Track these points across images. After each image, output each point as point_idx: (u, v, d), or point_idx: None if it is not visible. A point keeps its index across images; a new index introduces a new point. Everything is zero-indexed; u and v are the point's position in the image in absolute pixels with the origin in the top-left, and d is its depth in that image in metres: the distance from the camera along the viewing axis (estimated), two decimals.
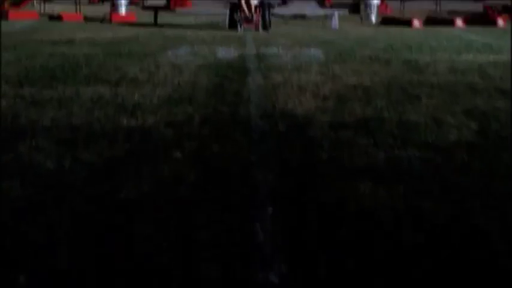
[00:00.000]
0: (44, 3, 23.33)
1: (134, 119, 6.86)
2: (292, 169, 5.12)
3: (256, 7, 17.84)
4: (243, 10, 17.74)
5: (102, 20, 20.23)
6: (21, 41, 14.51)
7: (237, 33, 17.08)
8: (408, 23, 19.93)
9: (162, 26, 18.70)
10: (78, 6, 22.39)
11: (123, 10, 21.57)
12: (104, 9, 23.11)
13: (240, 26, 17.61)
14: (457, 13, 24.39)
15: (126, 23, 19.53)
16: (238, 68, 10.55)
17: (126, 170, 4.99)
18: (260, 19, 17.68)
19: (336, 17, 19.32)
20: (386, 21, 20.52)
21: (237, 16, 17.77)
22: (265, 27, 17.66)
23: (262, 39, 15.68)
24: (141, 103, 7.70)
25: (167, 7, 24.82)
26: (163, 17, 20.41)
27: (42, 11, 22.68)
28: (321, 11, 24.33)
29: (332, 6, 27.00)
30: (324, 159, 5.45)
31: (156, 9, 19.57)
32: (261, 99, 8.00)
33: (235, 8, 18.10)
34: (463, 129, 6.57)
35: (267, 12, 17.85)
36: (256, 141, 6.01)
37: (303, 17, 21.59)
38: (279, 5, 23.59)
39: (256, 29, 17.56)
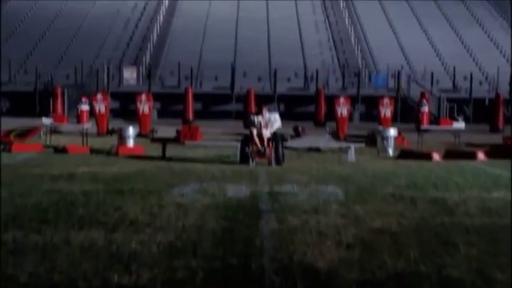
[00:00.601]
0: (51, 134, 22.71)
1: (127, 275, 5.83)
2: None
3: (268, 140, 17.05)
4: (255, 143, 16.94)
5: (108, 153, 19.49)
6: (19, 175, 13.65)
7: (248, 168, 16.19)
8: (428, 156, 19.08)
9: (170, 159, 17.89)
10: (85, 138, 21.75)
11: (131, 142, 20.88)
12: (112, 141, 22.45)
13: (252, 160, 16.76)
14: (476, 145, 23.61)
15: (133, 156, 18.77)
16: (250, 209, 9.56)
17: None
18: (273, 153, 16.84)
19: (353, 151, 18.49)
20: (404, 154, 19.69)
21: (248, 149, 16.96)
22: (279, 161, 16.79)
23: (276, 174, 14.77)
24: (138, 252, 6.69)
25: (177, 140, 24.17)
26: (173, 150, 19.65)
27: (48, 143, 22.02)
28: (335, 144, 23.61)
29: (346, 138, 26.34)
30: None
31: (164, 142, 18.81)
32: (276, 249, 6.96)
33: (246, 140, 17.31)
34: None
35: (280, 146, 17.02)
36: None
37: (317, 149, 20.79)
38: (292, 137, 22.91)
39: (269, 163, 16.69)
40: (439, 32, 46.58)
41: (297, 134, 23.38)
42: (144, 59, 41.80)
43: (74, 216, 8.86)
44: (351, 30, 46.17)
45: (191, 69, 38.04)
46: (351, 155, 18.46)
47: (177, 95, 35.49)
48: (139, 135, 25.97)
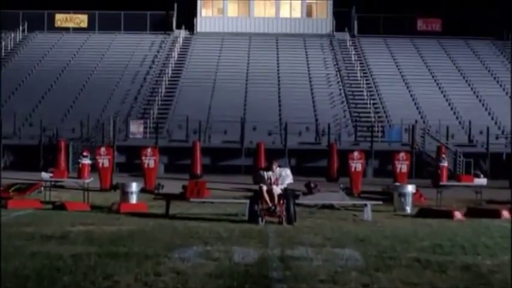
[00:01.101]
0: (50, 190, 21.63)
1: None
2: None
3: (279, 197, 15.94)
4: (265, 200, 15.83)
5: (109, 210, 18.39)
6: (8, 234, 12.53)
7: (257, 227, 15.03)
8: (449, 214, 17.89)
9: (174, 217, 16.77)
10: (86, 194, 20.66)
11: (134, 199, 19.79)
12: (115, 197, 21.35)
13: (262, 219, 15.62)
14: (498, 202, 22.39)
15: (135, 213, 17.67)
16: (259, 278, 8.40)
17: None
18: (284, 211, 15.71)
19: (369, 209, 17.32)
20: (423, 212, 18.50)
21: (258, 207, 15.85)
22: (290, 220, 15.65)
23: (287, 235, 13.61)
24: None
25: (183, 196, 23.06)
26: (178, 207, 18.54)
27: (48, 199, 20.94)
28: (349, 201, 22.41)
29: (360, 194, 25.15)
30: None
31: (168, 199, 17.67)
32: None
33: (256, 197, 16.19)
34: None
35: (291, 203, 15.90)
36: None
37: (330, 207, 19.57)
38: (304, 194, 21.78)
39: (280, 222, 15.56)
40: (453, 85, 45.59)
41: (309, 190, 22.23)
42: (151, 112, 40.93)
43: (57, 285, 7.73)
44: (363, 84, 45.31)
45: (199, 123, 37.10)
46: (367, 213, 17.29)
47: (185, 149, 34.49)
48: (143, 190, 24.90)
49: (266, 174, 16.32)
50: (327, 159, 33.27)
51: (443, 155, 27.97)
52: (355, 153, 25.95)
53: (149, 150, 25.69)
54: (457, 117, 41.49)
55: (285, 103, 42.74)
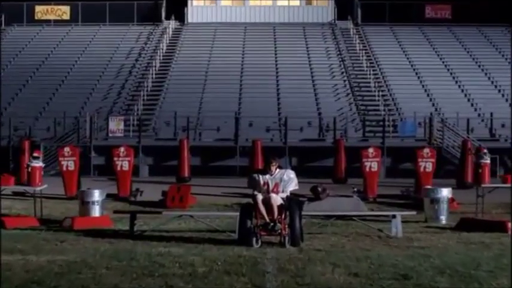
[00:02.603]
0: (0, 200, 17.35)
1: None
2: None
3: (280, 208, 11.78)
4: (261, 214, 11.69)
5: (60, 225, 14.22)
6: None
7: (251, 252, 10.86)
8: (500, 226, 13.78)
9: (141, 235, 12.64)
10: (38, 204, 16.40)
11: (96, 211, 15.63)
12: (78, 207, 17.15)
13: (257, 239, 11.46)
14: None
15: (93, 230, 13.53)
16: None
17: None
18: (287, 227, 11.58)
19: (399, 221, 13.12)
20: (466, 223, 14.37)
21: (251, 223, 11.72)
22: (295, 240, 11.46)
23: (293, 266, 9.42)
24: None
25: (162, 204, 18.95)
26: (153, 220, 14.42)
27: None
28: (366, 208, 18.30)
29: (376, 199, 20.97)
30: None
31: (133, 214, 13.39)
32: None
33: (248, 210, 12.03)
34: None
35: (296, 217, 11.71)
36: None
37: (343, 217, 15.33)
38: (310, 200, 17.61)
39: (282, 243, 11.41)
40: (468, 75, 41.44)
41: (317, 196, 18.02)
42: (135, 108, 36.81)
43: None
44: (370, 75, 41.14)
45: (187, 120, 32.95)
46: (397, 228, 13.10)
47: (173, 148, 30.41)
48: (117, 198, 20.75)
49: (262, 178, 12.13)
50: (333, 158, 29.32)
51: (485, 151, 23.54)
52: (370, 150, 21.66)
53: (122, 149, 21.40)
54: (475, 109, 37.39)
55: (284, 96, 38.65)
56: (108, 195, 18.33)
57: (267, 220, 11.74)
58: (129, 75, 41.97)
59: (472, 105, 38.06)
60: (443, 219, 15.63)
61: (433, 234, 13.49)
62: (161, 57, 44.11)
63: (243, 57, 44.47)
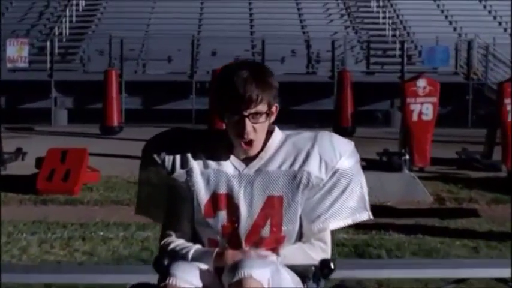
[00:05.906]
0: None
1: None
2: None
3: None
4: None
5: None
6: None
7: None
8: None
9: None
10: None
11: None
12: None
13: None
14: None
15: None
16: None
17: None
18: None
19: None
20: None
21: None
22: None
23: None
24: None
25: (32, 183, 9.95)
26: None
27: None
28: (427, 193, 9.45)
29: (423, 168, 12.01)
30: None
31: None
32: None
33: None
34: None
35: None
36: None
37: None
38: None
39: None
40: None
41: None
42: (57, 31, 28.10)
43: None
44: None
45: (121, 44, 24.24)
46: None
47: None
48: None
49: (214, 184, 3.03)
50: (330, 99, 21.23)
51: None
52: (420, 84, 12.18)
53: None
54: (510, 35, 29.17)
55: (259, 17, 30.13)
56: None
57: None
58: None
59: (504, 30, 29.85)
60: None
61: None
62: None
63: None
